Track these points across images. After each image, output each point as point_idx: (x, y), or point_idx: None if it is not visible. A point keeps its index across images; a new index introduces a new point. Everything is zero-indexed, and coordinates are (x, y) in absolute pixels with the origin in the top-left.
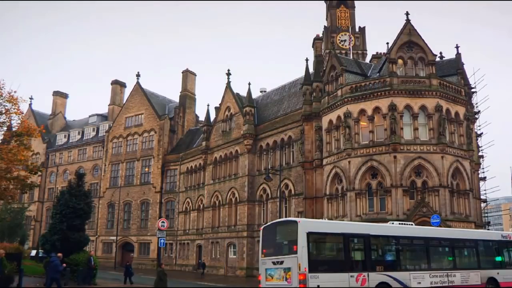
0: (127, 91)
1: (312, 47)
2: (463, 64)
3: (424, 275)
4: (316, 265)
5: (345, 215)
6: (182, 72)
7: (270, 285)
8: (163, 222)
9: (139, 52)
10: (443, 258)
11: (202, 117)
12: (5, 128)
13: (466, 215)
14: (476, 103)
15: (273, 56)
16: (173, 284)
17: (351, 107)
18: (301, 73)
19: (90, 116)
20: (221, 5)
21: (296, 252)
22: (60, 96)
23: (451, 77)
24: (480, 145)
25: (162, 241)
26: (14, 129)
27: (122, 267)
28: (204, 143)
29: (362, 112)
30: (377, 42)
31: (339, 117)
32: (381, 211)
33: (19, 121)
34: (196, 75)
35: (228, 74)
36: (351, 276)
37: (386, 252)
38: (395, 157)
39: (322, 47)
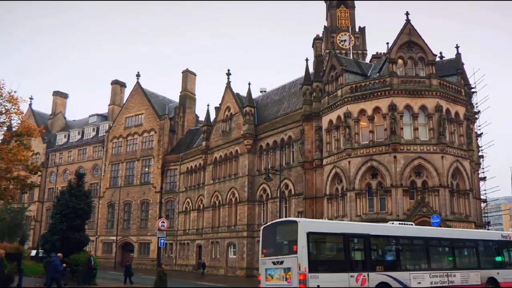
0: (127, 91)
1: (312, 47)
2: (463, 64)
3: (424, 275)
4: (316, 265)
5: (345, 215)
6: (182, 72)
7: (270, 285)
8: (163, 222)
9: (139, 52)
10: (443, 258)
11: (202, 117)
12: (5, 128)
13: (466, 215)
14: (476, 103)
15: (273, 56)
16: (173, 284)
17: (351, 107)
18: (301, 73)
19: (90, 116)
20: (221, 5)
21: (296, 252)
22: (60, 96)
23: (451, 77)
24: (480, 145)
25: (162, 241)
26: (14, 129)
27: (122, 267)
28: (204, 143)
29: (362, 112)
30: (377, 42)
31: (339, 117)
32: (381, 211)
33: (19, 121)
34: (196, 75)
35: (228, 74)
36: (351, 276)
37: (386, 252)
38: (395, 157)
39: (322, 47)
